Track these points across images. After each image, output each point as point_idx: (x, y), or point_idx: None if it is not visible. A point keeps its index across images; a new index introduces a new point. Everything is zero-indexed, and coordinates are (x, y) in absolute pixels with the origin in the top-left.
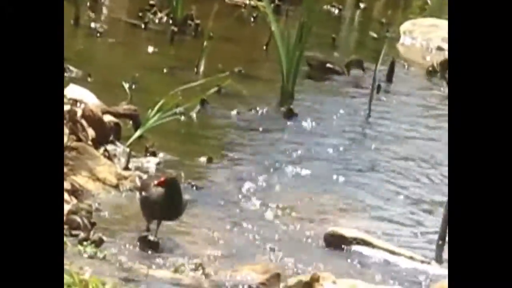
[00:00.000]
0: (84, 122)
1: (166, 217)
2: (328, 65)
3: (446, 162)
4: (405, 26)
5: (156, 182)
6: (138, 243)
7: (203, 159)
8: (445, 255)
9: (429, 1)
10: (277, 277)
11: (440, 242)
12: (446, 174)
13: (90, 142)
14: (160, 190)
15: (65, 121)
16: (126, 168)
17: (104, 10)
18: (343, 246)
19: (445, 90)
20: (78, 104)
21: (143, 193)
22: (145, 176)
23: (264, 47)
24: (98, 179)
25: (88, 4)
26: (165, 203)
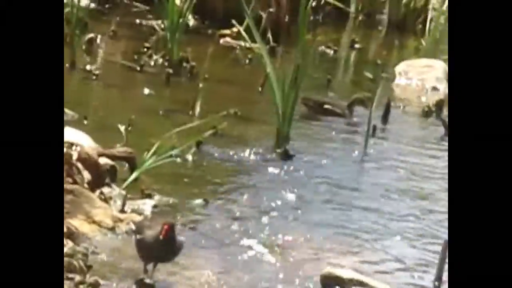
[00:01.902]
0: (79, 165)
1: (162, 259)
2: (326, 106)
3: (443, 203)
4: (400, 67)
5: (161, 235)
6: (135, 286)
7: (199, 201)
8: None
9: (423, 42)
10: None
11: (437, 283)
12: (442, 215)
13: (85, 185)
14: (156, 232)
15: None
16: (122, 210)
17: (100, 53)
18: (339, 287)
19: (441, 130)
20: (74, 147)
21: (139, 236)
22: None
23: (260, 89)
24: (94, 222)
25: (83, 47)
26: (162, 246)
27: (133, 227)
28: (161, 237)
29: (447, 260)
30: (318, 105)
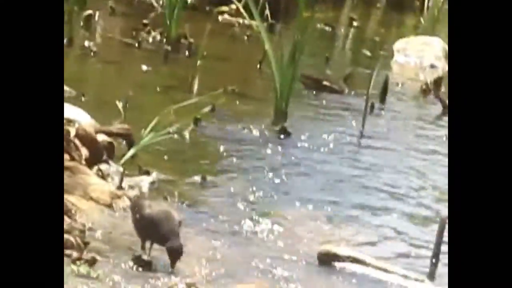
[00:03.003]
0: (77, 141)
1: (160, 242)
2: (325, 82)
3: (439, 180)
4: (399, 45)
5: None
6: (132, 263)
7: (197, 178)
8: (438, 273)
9: (422, 20)
10: None
11: (434, 260)
12: (439, 192)
13: (83, 162)
14: (155, 211)
15: None
16: (120, 187)
17: (98, 30)
18: (336, 264)
19: (438, 107)
20: (72, 123)
21: (138, 215)
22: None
23: (258, 66)
24: (91, 199)
25: (81, 23)
26: (162, 229)
27: (128, 203)
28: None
29: (445, 237)
30: (317, 82)
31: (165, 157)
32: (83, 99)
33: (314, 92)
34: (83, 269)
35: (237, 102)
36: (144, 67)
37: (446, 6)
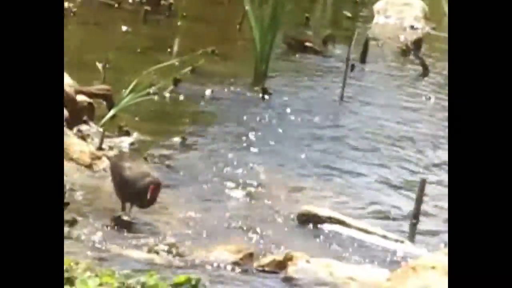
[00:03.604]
0: None
1: (140, 204)
2: (307, 43)
3: (422, 143)
4: (379, 5)
5: (148, 195)
6: (112, 223)
7: (176, 139)
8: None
9: None
10: (250, 256)
11: (414, 221)
12: (423, 155)
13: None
14: (136, 173)
15: None
16: (100, 148)
17: None
18: (316, 225)
19: (418, 68)
20: None
21: (118, 176)
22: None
23: (238, 27)
24: (71, 159)
25: None
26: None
27: (107, 162)
28: (148, 196)
29: (423, 198)
30: (299, 43)
31: (145, 118)
32: None
33: (297, 54)
34: (64, 230)
35: (217, 63)
36: (124, 28)
37: None
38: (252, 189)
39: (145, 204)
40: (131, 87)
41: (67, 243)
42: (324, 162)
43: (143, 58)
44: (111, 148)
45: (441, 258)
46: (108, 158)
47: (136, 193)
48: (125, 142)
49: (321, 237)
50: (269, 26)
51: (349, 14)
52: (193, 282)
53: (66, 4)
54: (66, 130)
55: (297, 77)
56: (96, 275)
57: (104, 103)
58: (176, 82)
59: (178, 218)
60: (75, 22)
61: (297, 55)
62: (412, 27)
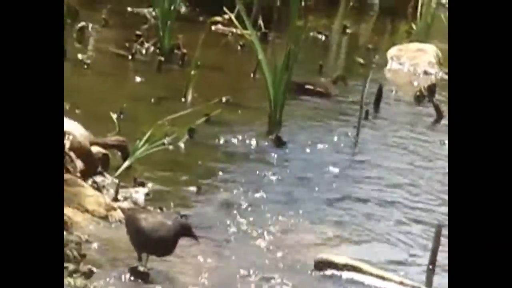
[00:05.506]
0: (72, 154)
1: (158, 253)
2: (307, 86)
3: (435, 187)
4: (392, 52)
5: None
6: (128, 274)
7: (192, 189)
8: (435, 280)
9: (414, 26)
10: None
11: (430, 267)
12: (435, 199)
13: (78, 174)
14: (153, 223)
15: None
16: (115, 199)
17: (91, 42)
18: (333, 272)
19: (433, 114)
20: (67, 136)
21: (134, 228)
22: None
23: (252, 75)
24: (87, 211)
25: (75, 35)
26: (159, 240)
27: (122, 214)
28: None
29: (441, 244)
30: (299, 86)
31: (160, 168)
32: (77, 111)
33: (297, 96)
34: (80, 282)
35: (232, 112)
36: (138, 79)
37: (438, 13)
38: (269, 238)
39: (164, 253)
40: (145, 137)
41: None
42: (340, 210)
43: (157, 108)
44: (126, 199)
45: None
46: (123, 210)
47: (152, 243)
48: (140, 193)
49: (339, 284)
50: (281, 74)
51: (362, 61)
52: None
53: (79, 56)
54: (81, 181)
55: (311, 124)
56: None
57: (119, 154)
58: (191, 132)
59: (194, 268)
60: (89, 74)
61: (309, 101)
62: (425, 72)
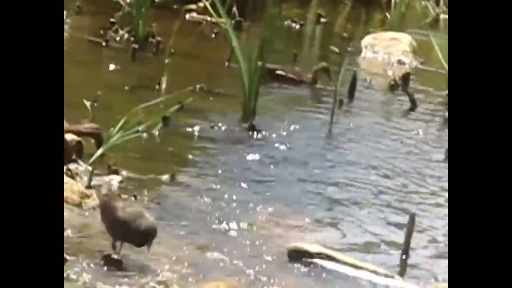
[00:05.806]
0: None
1: (134, 242)
2: (278, 72)
3: (410, 173)
4: (366, 40)
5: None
6: (102, 262)
7: (166, 176)
8: (408, 269)
9: (388, 15)
10: None
11: (404, 256)
12: (409, 186)
13: None
14: (128, 212)
15: None
16: (89, 186)
17: (65, 29)
18: (306, 260)
19: (406, 103)
20: None
21: (110, 216)
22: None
23: (226, 63)
24: None
25: None
26: (135, 229)
27: (97, 202)
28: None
29: (413, 233)
30: (270, 72)
31: (134, 156)
32: None
33: (269, 84)
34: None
35: (206, 100)
36: (112, 66)
37: (413, 3)
38: (242, 226)
39: (140, 243)
40: (119, 125)
41: None
42: (315, 198)
43: (131, 96)
44: (100, 186)
45: None
46: (98, 197)
47: (130, 233)
48: (114, 180)
49: (312, 272)
50: (256, 62)
51: (336, 50)
52: None
53: None
54: None
55: (284, 112)
56: None
57: (93, 141)
58: (165, 119)
59: (168, 256)
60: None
61: (283, 88)
62: (399, 61)
